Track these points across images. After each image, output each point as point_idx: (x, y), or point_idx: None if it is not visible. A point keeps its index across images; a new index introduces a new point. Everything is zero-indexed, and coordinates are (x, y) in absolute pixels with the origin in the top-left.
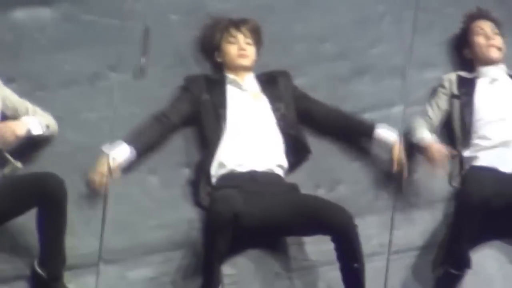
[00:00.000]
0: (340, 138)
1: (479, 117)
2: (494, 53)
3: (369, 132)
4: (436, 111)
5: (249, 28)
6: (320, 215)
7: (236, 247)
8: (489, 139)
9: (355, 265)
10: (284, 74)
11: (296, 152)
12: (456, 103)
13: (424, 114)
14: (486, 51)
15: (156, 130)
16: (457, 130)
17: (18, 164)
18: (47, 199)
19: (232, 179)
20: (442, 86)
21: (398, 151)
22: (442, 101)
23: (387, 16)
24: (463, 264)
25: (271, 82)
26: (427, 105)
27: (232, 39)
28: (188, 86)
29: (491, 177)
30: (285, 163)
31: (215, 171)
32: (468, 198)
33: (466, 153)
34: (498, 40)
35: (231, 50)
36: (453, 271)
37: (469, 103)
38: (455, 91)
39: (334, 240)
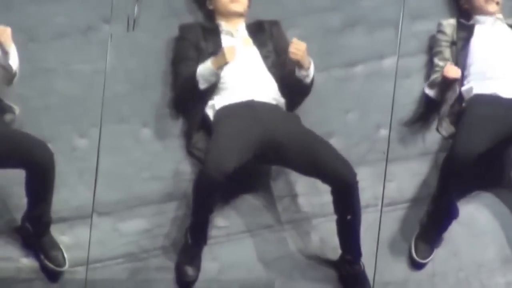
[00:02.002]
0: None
1: (475, 58)
2: (492, 8)
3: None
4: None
5: None
6: (323, 164)
7: (228, 200)
8: (485, 73)
9: (348, 217)
10: (273, 22)
11: (292, 95)
12: (453, 49)
13: (435, 67)
14: (484, 5)
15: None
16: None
17: (16, 110)
18: (35, 170)
19: (230, 110)
20: (443, 33)
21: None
22: (447, 51)
23: None
24: (450, 214)
25: (258, 29)
26: (434, 58)
27: None
28: (184, 35)
29: (487, 119)
30: (281, 100)
31: (211, 106)
32: (457, 157)
33: (463, 88)
34: None
35: None
36: (439, 220)
37: (465, 48)
38: (455, 37)
39: (333, 193)
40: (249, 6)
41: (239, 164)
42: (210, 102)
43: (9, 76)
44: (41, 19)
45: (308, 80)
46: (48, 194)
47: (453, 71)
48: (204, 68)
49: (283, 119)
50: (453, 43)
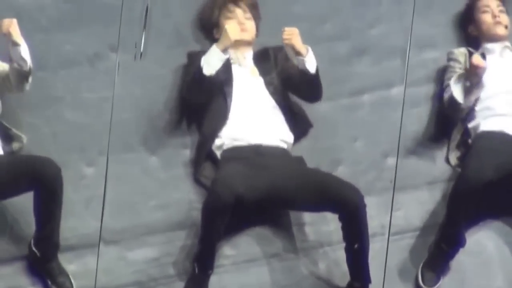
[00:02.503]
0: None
1: (484, 93)
2: (501, 31)
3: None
4: None
5: (247, 3)
6: (330, 191)
7: (236, 228)
8: (493, 109)
9: (356, 245)
10: (277, 48)
11: (296, 124)
12: None
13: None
14: (492, 28)
15: None
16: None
17: (24, 139)
18: (42, 185)
19: (237, 152)
20: (456, 61)
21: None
22: None
23: None
24: (457, 242)
25: (263, 57)
26: (448, 81)
27: (230, 15)
28: (194, 60)
29: (495, 151)
30: (289, 138)
31: (218, 146)
32: (467, 183)
33: (470, 124)
34: (504, 18)
35: None
36: (446, 248)
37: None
38: (467, 66)
39: (341, 218)
40: (257, 35)
41: (245, 194)
42: (217, 141)
43: (24, 73)
44: (49, 48)
45: (311, 67)
46: (57, 212)
47: (480, 60)
48: (209, 54)
49: (289, 166)
50: None
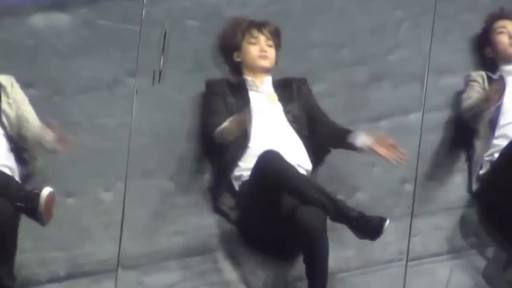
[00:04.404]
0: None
1: (506, 117)
2: None
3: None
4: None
5: (270, 31)
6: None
7: (245, 256)
8: (509, 138)
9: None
10: (300, 80)
11: (313, 152)
12: None
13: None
14: (508, 49)
15: None
16: (482, 129)
17: (39, 162)
18: None
19: None
20: (476, 81)
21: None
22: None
23: (404, 22)
24: None
25: (285, 85)
26: (466, 96)
27: (253, 40)
28: (214, 89)
29: None
30: (308, 165)
31: (237, 177)
32: None
33: (487, 155)
34: None
35: (252, 50)
36: None
37: (499, 103)
38: (487, 87)
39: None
40: (276, 63)
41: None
42: (236, 171)
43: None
44: (67, 73)
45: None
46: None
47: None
48: None
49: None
50: None
